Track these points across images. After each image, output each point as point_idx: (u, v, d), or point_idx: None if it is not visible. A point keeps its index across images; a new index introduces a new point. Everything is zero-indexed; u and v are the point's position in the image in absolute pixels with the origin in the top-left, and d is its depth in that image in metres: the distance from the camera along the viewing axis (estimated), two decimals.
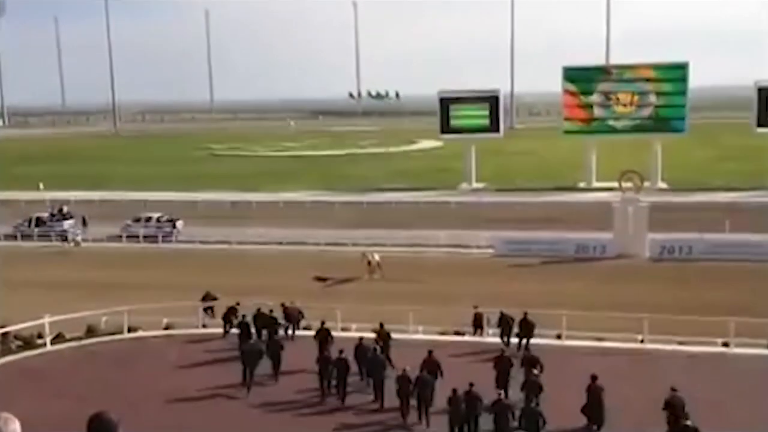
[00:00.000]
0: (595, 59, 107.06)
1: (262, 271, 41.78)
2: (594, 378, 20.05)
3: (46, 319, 27.59)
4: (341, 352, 22.60)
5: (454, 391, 19.59)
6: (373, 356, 22.68)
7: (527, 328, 25.75)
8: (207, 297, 31.00)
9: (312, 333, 26.04)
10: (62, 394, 22.45)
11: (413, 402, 20.57)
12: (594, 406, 19.83)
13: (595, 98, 67.09)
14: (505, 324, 26.17)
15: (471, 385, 19.59)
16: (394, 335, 25.04)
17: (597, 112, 67.32)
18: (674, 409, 18.67)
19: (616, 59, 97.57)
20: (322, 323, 25.72)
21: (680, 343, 25.96)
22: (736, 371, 23.67)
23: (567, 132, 69.63)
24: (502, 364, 21.91)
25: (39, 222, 54.87)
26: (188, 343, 27.68)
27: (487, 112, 70.65)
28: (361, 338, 24.11)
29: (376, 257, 39.98)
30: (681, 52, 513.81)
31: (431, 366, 21.44)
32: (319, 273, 39.57)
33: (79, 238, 51.44)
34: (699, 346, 25.81)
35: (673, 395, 19.03)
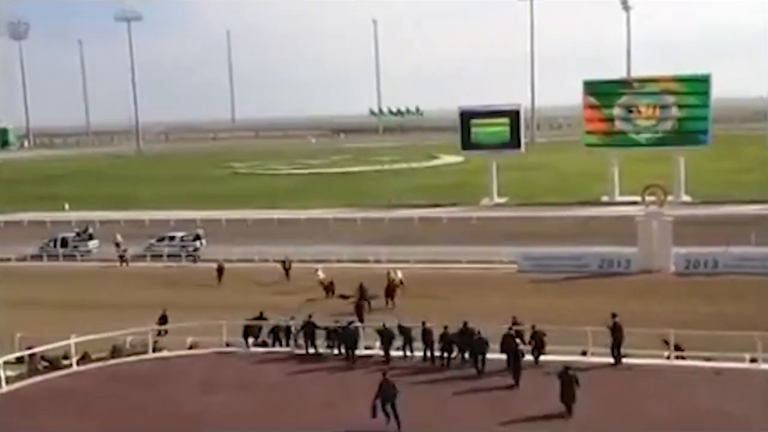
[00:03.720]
0: (617, 71, 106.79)
1: (285, 287, 41.86)
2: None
3: (72, 340, 27.77)
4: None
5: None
6: (478, 338, 25.10)
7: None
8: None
9: None
10: (87, 414, 22.55)
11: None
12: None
13: (616, 111, 66.83)
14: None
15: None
16: None
17: (618, 125, 67.04)
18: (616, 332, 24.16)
19: (635, 69, 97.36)
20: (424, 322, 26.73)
21: (707, 358, 25.65)
22: (764, 387, 23.33)
23: (588, 144, 69.37)
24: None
25: (64, 242, 55.47)
26: (213, 362, 27.71)
27: (507, 128, 70.56)
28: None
29: (399, 275, 39.98)
30: (702, 63, 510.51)
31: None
32: (342, 291, 39.58)
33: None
34: (726, 362, 25.46)
35: (614, 321, 24.32)
